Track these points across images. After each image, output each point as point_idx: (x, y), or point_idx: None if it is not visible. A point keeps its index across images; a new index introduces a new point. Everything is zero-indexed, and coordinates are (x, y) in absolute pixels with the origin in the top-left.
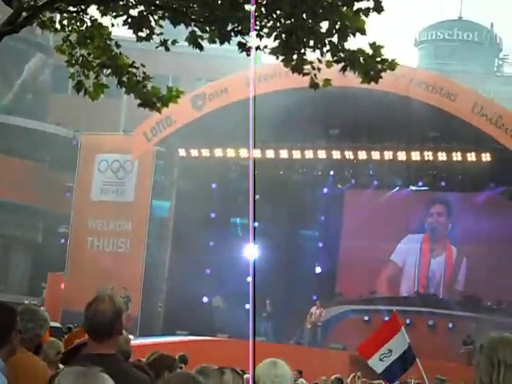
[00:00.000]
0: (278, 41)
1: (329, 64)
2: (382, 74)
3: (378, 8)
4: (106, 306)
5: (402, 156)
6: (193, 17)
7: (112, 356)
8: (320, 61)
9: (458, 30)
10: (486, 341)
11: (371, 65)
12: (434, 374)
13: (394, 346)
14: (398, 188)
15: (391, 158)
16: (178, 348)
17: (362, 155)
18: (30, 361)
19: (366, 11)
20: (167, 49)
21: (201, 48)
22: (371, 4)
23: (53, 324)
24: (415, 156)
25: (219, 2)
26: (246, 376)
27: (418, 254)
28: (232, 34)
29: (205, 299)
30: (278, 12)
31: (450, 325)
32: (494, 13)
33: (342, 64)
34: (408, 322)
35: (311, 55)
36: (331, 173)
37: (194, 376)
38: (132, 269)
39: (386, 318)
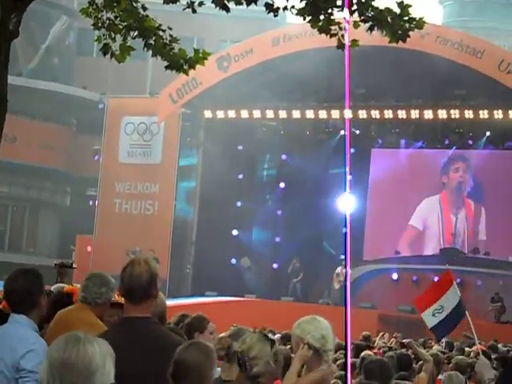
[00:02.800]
0: (304, 1)
1: (356, 24)
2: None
3: None
4: (141, 269)
5: (428, 114)
6: None
7: (147, 319)
8: (347, 21)
9: None
10: None
11: (399, 24)
12: (461, 332)
13: (446, 302)
14: (423, 147)
15: (417, 116)
16: (207, 309)
17: (389, 114)
18: (80, 316)
19: None
20: (194, 11)
21: (227, 10)
22: None
23: None
24: (442, 114)
25: None
26: (277, 336)
27: (440, 214)
28: None
29: (233, 260)
30: None
31: (479, 282)
32: None
33: (369, 23)
34: (436, 279)
35: (338, 15)
36: (357, 132)
37: (209, 346)
38: (160, 231)
39: (414, 277)
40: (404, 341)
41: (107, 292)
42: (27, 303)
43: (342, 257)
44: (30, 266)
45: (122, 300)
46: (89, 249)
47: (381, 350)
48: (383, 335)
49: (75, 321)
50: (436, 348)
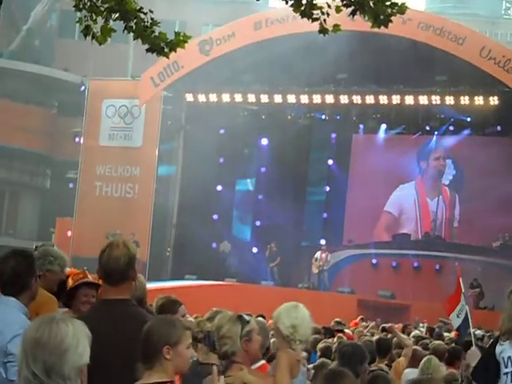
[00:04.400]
0: None
1: (338, 9)
2: (391, 18)
3: None
4: (120, 252)
5: (409, 100)
6: None
7: (125, 301)
8: (329, 5)
9: None
10: None
11: (381, 9)
12: (439, 317)
13: (463, 302)
14: (404, 133)
15: (399, 102)
16: (186, 292)
17: (370, 99)
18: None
19: None
20: None
21: None
22: None
23: None
24: (423, 100)
25: None
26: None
27: (417, 199)
28: None
29: (213, 244)
30: None
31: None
32: None
33: (352, 8)
34: (416, 265)
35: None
36: (338, 117)
37: (171, 320)
38: (140, 214)
39: (394, 263)
40: (385, 325)
41: (43, 264)
42: (17, 285)
43: (322, 241)
44: (22, 247)
45: (98, 280)
46: (69, 233)
47: (354, 335)
48: (362, 319)
49: None
50: (415, 333)
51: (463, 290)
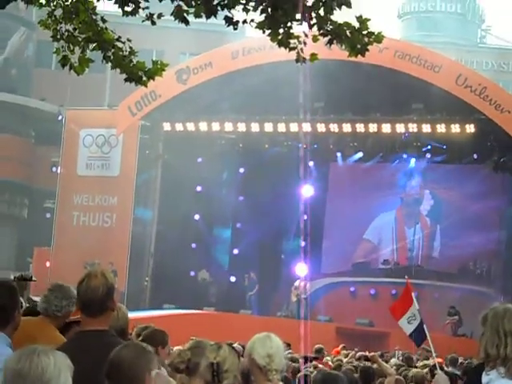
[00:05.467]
0: (264, 14)
1: (315, 38)
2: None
3: None
4: (98, 282)
5: (386, 128)
6: None
7: (104, 331)
8: (306, 35)
9: (441, 1)
10: (491, 312)
11: (358, 38)
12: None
13: (415, 309)
14: (381, 161)
15: (376, 130)
16: (165, 322)
17: (347, 128)
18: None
19: None
20: (153, 23)
21: (187, 22)
22: None
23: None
24: (400, 128)
25: None
26: (236, 345)
27: (394, 228)
28: (218, 8)
29: (191, 273)
30: None
31: (436, 295)
32: None
33: (329, 37)
34: (394, 292)
35: (297, 29)
36: (315, 146)
37: (145, 346)
38: (118, 243)
39: (372, 291)
40: (363, 353)
41: (68, 305)
42: (2, 318)
43: (301, 270)
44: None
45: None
46: (47, 264)
47: (332, 363)
48: (344, 347)
49: (35, 334)
50: (393, 361)
51: (415, 303)
